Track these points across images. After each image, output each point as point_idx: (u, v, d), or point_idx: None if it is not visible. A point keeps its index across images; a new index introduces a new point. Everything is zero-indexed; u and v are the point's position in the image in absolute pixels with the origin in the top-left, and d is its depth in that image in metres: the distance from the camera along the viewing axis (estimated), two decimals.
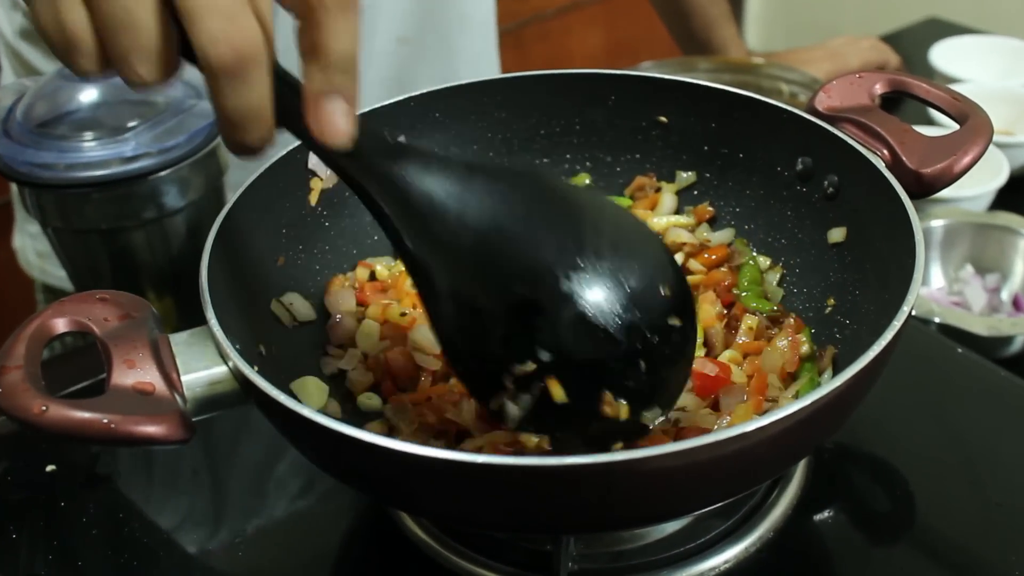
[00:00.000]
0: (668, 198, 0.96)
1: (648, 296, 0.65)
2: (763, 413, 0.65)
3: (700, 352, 0.82)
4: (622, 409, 0.66)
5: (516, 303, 0.63)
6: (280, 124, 0.58)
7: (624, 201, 0.97)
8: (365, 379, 0.84)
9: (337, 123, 0.58)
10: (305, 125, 0.58)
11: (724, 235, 0.94)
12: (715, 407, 0.77)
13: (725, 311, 0.86)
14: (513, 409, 0.65)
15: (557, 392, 0.64)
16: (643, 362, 0.65)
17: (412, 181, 0.64)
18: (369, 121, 0.62)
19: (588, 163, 0.99)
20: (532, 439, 0.69)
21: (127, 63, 0.55)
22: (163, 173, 0.96)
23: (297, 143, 0.87)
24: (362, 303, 0.90)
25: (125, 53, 0.54)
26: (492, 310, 0.64)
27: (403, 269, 0.92)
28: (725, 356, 0.81)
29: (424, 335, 0.84)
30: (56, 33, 0.55)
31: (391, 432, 0.79)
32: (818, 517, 0.81)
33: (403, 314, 0.86)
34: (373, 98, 0.91)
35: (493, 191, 0.65)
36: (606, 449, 0.67)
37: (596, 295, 0.63)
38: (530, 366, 0.63)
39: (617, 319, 0.63)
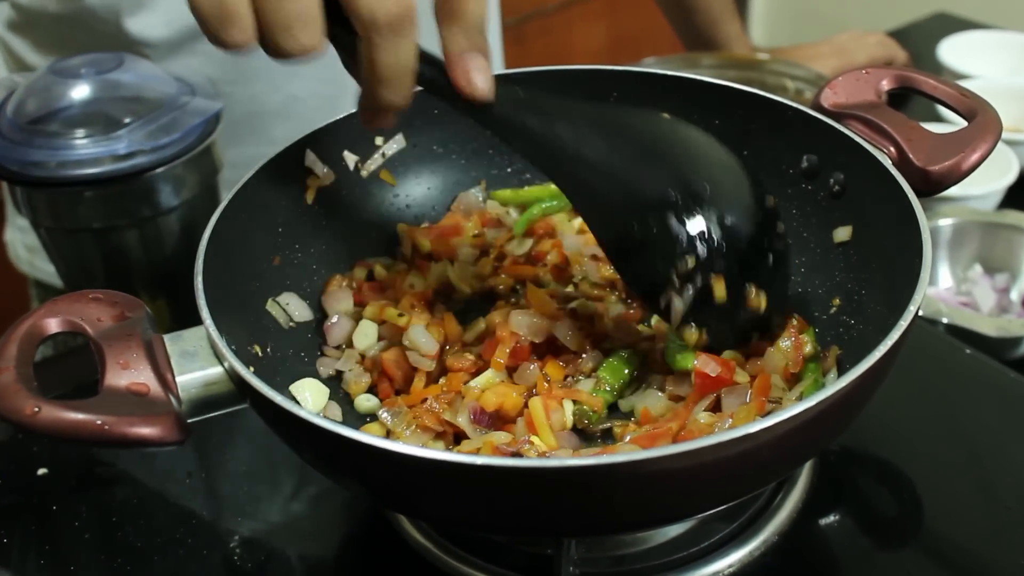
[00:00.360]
0: None
1: (763, 205, 0.78)
2: (766, 415, 0.66)
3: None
4: (763, 299, 0.77)
5: (665, 214, 0.74)
6: (423, 87, 0.69)
7: None
8: (362, 380, 0.84)
9: (479, 78, 0.68)
10: (451, 83, 0.68)
11: None
12: (716, 408, 0.77)
13: None
14: (679, 303, 0.75)
15: (720, 290, 0.75)
16: (771, 256, 0.78)
17: (544, 128, 0.75)
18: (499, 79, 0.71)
19: None
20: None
21: (289, 31, 0.61)
22: (157, 171, 0.96)
23: (291, 142, 0.88)
24: (359, 303, 0.90)
25: (288, 21, 0.60)
26: (654, 222, 0.75)
27: (401, 269, 0.93)
28: (726, 356, 0.82)
29: (419, 335, 0.84)
30: (212, 8, 0.60)
31: (387, 436, 0.79)
32: (824, 521, 0.81)
33: (401, 315, 0.87)
34: None
35: (629, 126, 0.78)
36: (748, 341, 0.81)
37: (728, 201, 0.76)
38: (691, 263, 0.74)
39: (749, 219, 0.76)
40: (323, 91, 1.26)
